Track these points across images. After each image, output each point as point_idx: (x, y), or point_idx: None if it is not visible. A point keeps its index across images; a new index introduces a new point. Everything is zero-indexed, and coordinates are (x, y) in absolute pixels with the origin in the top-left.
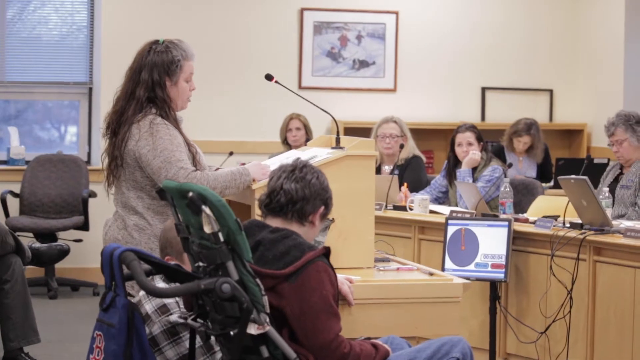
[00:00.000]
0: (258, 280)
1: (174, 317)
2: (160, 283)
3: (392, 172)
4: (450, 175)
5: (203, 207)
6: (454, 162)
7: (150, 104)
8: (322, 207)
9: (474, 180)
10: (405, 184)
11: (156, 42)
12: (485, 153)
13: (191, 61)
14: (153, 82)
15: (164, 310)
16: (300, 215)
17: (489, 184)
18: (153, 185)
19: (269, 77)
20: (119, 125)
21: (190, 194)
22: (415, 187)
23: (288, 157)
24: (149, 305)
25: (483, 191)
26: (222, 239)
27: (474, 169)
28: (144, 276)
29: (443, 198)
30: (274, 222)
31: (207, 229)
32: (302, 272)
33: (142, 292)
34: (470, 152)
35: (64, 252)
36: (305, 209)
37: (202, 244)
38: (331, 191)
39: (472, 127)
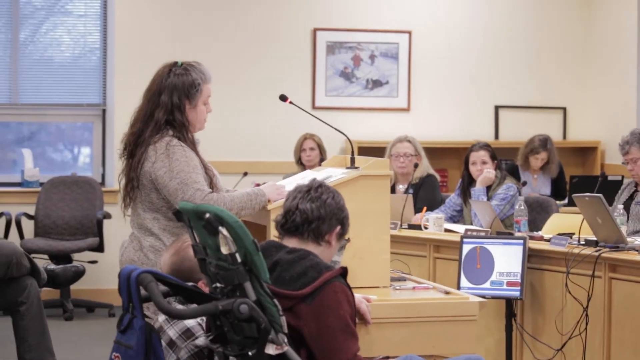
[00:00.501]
0: (276, 301)
1: (201, 341)
2: (178, 306)
3: (406, 191)
4: (465, 194)
5: (220, 228)
6: (468, 181)
7: (168, 126)
8: (339, 227)
9: (489, 198)
10: (424, 208)
11: (175, 64)
12: (500, 171)
13: (209, 84)
14: (172, 105)
15: (188, 334)
16: (316, 234)
17: (503, 202)
18: (169, 207)
19: (283, 98)
20: (135, 146)
21: (207, 215)
22: (430, 206)
23: (303, 178)
24: (172, 331)
25: (498, 209)
26: (239, 259)
27: (488, 188)
28: (161, 297)
29: (458, 217)
30: (291, 243)
31: (224, 250)
32: (319, 292)
33: (161, 318)
34: (484, 171)
35: (79, 274)
36: (321, 229)
37: (220, 265)
38: (347, 211)
39: (486, 146)
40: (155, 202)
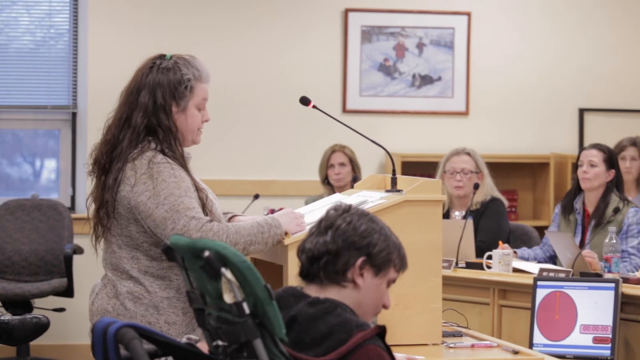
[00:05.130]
0: None
1: None
2: None
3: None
4: (566, 209)
5: (223, 270)
6: (577, 189)
7: (149, 137)
8: (361, 259)
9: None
10: None
11: (162, 57)
12: (618, 192)
13: (206, 84)
14: (155, 105)
15: None
16: (333, 274)
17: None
18: (152, 243)
19: (304, 101)
20: (110, 160)
21: (207, 253)
22: (494, 240)
23: (330, 204)
24: None
25: None
26: (247, 310)
27: (603, 214)
28: (147, 359)
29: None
30: (311, 291)
31: (227, 298)
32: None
33: None
34: (588, 175)
35: (41, 327)
36: (337, 264)
37: (222, 317)
38: (380, 237)
39: (601, 146)
40: (135, 237)
